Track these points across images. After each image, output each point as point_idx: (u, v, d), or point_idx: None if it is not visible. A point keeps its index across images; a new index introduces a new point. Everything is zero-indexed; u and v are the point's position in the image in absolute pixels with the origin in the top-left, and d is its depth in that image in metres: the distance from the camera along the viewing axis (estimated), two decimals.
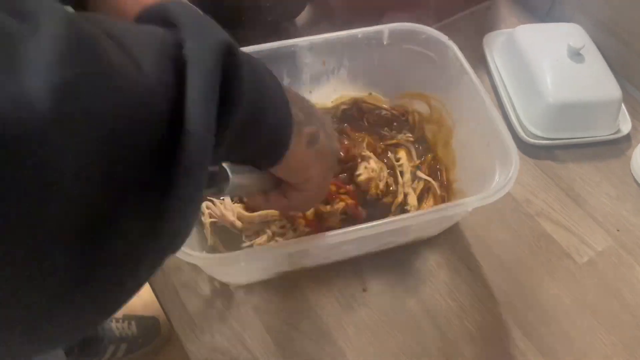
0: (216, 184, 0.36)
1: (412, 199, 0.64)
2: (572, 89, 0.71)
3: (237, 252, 0.52)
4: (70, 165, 0.18)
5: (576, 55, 0.72)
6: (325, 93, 0.70)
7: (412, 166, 0.67)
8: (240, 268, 0.54)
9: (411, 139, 0.70)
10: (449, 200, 0.65)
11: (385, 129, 0.71)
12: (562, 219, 0.68)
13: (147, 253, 0.24)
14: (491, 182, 0.53)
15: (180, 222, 0.24)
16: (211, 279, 0.60)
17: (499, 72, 0.80)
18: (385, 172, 0.65)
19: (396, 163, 0.67)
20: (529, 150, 0.74)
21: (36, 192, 0.17)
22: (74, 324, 0.22)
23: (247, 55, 0.31)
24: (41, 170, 0.17)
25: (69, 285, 0.20)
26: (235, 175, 0.36)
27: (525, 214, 0.68)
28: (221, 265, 0.51)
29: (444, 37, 0.63)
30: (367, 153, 0.64)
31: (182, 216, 0.24)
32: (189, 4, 0.31)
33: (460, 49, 0.81)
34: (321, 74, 0.67)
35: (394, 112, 0.72)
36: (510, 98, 0.77)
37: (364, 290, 0.61)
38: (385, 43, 0.65)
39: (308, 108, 0.40)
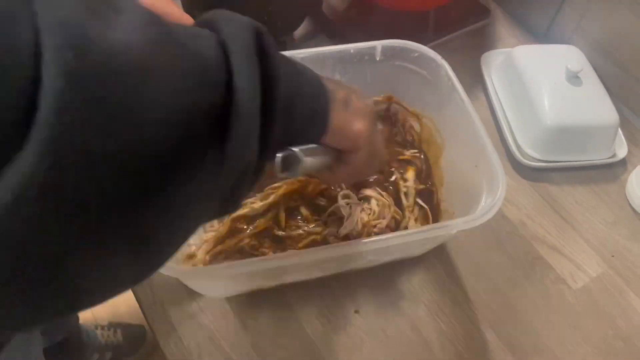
0: (289, 167, 0.38)
1: (412, 223, 0.63)
2: (569, 112, 0.71)
3: (208, 268, 0.52)
4: (160, 102, 0.22)
5: (574, 78, 0.72)
6: None
7: (416, 188, 0.66)
8: (214, 284, 0.54)
9: (417, 154, 0.70)
10: (434, 220, 0.64)
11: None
12: (557, 243, 0.67)
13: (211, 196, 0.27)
14: (478, 205, 0.52)
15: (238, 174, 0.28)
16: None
17: (496, 92, 0.79)
18: (391, 209, 0.63)
19: (402, 183, 0.65)
20: (525, 172, 0.73)
21: (134, 116, 0.21)
22: (129, 270, 0.24)
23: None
24: (139, 97, 0.21)
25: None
26: (306, 158, 0.38)
27: (521, 236, 0.68)
28: (189, 279, 0.50)
29: (436, 56, 0.64)
30: (369, 192, 0.63)
31: (238, 175, 0.28)
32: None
33: (457, 67, 0.81)
34: None
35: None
36: (507, 119, 0.76)
37: (356, 312, 0.60)
38: (378, 59, 0.65)
39: (331, 78, 0.43)
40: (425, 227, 0.54)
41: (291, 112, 0.33)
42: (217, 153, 0.26)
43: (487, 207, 0.51)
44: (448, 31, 0.87)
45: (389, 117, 0.71)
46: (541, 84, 0.73)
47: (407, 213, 0.63)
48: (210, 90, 0.25)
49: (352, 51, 0.64)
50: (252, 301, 0.60)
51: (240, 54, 0.27)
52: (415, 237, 0.51)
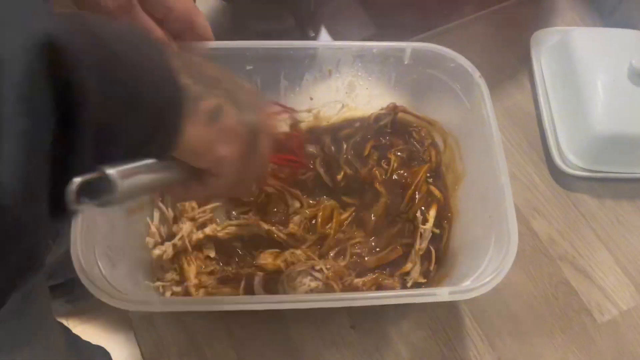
0: (99, 194, 0.28)
1: (415, 273, 0.55)
2: (625, 118, 0.61)
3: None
4: None
5: (637, 77, 0.61)
6: (329, 106, 0.62)
7: (433, 232, 0.57)
8: None
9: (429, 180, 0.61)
10: (437, 263, 0.56)
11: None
12: (587, 266, 0.60)
13: None
14: (478, 266, 0.46)
15: None
16: None
17: (543, 80, 0.69)
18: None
19: (422, 226, 0.56)
20: (563, 179, 0.65)
21: None
22: None
23: (100, 29, 0.26)
24: None
25: None
26: (125, 179, 0.29)
27: (547, 255, 0.61)
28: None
29: (474, 71, 0.54)
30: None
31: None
32: None
33: (503, 45, 0.71)
34: (325, 84, 0.59)
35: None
36: (551, 114, 0.66)
37: (352, 327, 0.56)
38: (405, 62, 0.56)
39: (210, 74, 0.34)
40: (407, 292, 0.51)
41: (113, 135, 0.27)
42: None
43: (485, 274, 0.45)
44: (498, 0, 0.76)
45: (396, 130, 0.62)
46: (597, 79, 0.62)
47: (414, 258, 0.56)
48: None
49: (374, 50, 0.55)
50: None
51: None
52: (396, 300, 0.46)
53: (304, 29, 0.72)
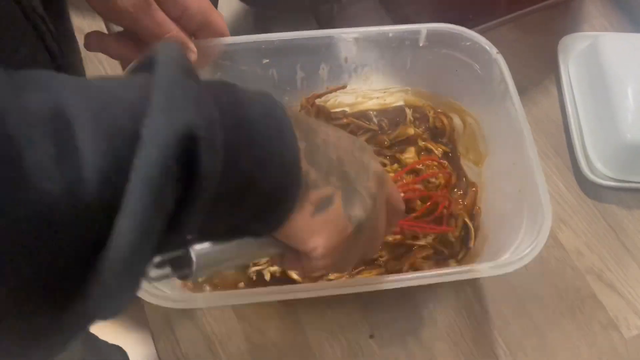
0: (181, 268, 0.30)
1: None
2: None
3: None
4: None
5: None
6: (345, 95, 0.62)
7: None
8: None
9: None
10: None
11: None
12: (616, 280, 0.58)
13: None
14: (513, 242, 0.45)
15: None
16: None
17: (571, 87, 0.67)
18: None
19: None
20: (592, 189, 0.63)
21: None
22: None
23: (234, 110, 0.26)
24: None
25: None
26: (203, 256, 0.29)
27: (573, 268, 0.59)
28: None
29: (491, 48, 0.54)
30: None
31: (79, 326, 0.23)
32: (177, 48, 0.25)
33: (530, 50, 0.70)
34: (341, 73, 0.60)
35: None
36: (579, 122, 0.65)
37: (371, 336, 0.55)
38: (421, 45, 0.56)
39: (331, 156, 0.32)
40: (445, 271, 0.49)
41: (223, 213, 0.27)
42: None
43: (521, 249, 0.44)
44: (524, 4, 0.74)
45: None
46: (627, 86, 0.60)
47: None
48: (72, 226, 0.20)
49: (390, 35, 0.55)
50: (260, 312, 0.55)
51: (137, 194, 0.20)
52: (430, 280, 0.45)
53: None
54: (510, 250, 0.46)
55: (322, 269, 0.34)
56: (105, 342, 0.82)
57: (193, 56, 0.47)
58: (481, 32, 0.56)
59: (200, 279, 0.53)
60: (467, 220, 0.57)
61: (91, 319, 0.23)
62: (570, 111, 0.65)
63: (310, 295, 0.45)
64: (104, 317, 0.23)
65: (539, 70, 0.70)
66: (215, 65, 0.54)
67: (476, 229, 0.57)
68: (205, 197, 0.23)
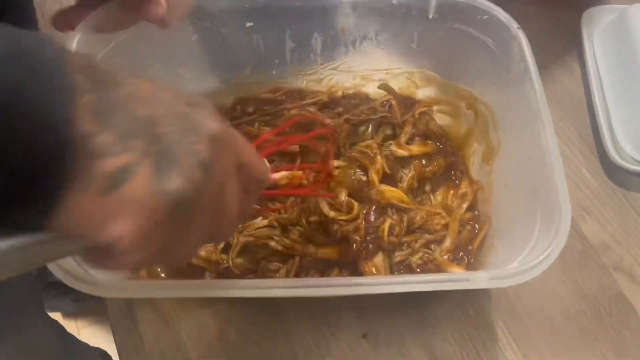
0: None
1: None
2: None
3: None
4: None
5: None
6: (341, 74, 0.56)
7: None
8: None
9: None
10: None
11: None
12: None
13: None
14: (522, 249, 0.39)
15: None
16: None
17: (596, 64, 0.60)
18: None
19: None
20: (620, 176, 0.56)
21: None
22: None
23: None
24: None
25: None
26: None
27: (599, 264, 0.52)
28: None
29: (511, 23, 0.47)
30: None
31: None
32: None
33: (550, 26, 0.63)
34: (337, 46, 0.53)
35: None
36: (605, 102, 0.58)
37: (364, 336, 0.48)
38: (430, 17, 0.49)
39: (142, 113, 0.24)
40: (441, 276, 0.43)
41: None
42: None
43: (531, 258, 0.37)
44: None
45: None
46: None
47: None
48: None
49: (394, 2, 0.48)
50: (236, 305, 0.49)
51: None
52: (427, 286, 0.37)
53: None
54: (518, 259, 0.39)
55: (138, 263, 0.26)
56: (85, 343, 0.76)
57: (160, 9, 0.41)
58: (498, 4, 0.51)
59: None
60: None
61: None
62: (595, 90, 0.59)
63: (263, 294, 0.38)
64: None
65: (560, 46, 0.64)
66: (193, 25, 0.48)
67: (480, 232, 0.50)
68: None
